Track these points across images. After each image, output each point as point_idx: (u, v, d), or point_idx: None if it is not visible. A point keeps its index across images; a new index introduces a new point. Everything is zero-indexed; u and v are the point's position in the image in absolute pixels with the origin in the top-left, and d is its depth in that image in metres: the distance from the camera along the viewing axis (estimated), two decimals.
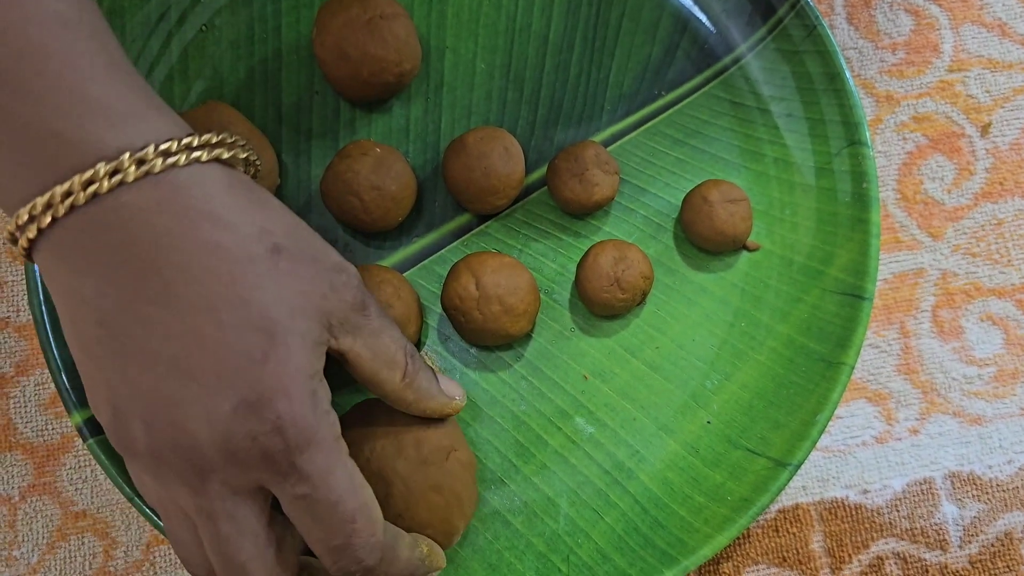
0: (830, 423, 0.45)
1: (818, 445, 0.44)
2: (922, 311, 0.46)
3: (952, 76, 0.48)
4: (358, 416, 0.39)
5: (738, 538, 0.43)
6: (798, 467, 0.40)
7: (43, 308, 0.41)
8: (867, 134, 0.43)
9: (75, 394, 0.40)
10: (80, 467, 0.44)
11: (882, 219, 0.47)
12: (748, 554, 0.43)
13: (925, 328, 0.45)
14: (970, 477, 0.44)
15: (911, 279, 0.46)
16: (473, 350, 0.44)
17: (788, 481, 0.40)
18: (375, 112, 0.46)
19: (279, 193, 0.44)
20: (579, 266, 0.43)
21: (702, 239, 0.43)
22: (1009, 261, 0.46)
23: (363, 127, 0.45)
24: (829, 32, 0.44)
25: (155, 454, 0.30)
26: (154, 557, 0.42)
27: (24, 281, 0.45)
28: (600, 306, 0.42)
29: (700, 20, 0.46)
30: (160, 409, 0.30)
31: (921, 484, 0.44)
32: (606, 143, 0.46)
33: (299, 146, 0.45)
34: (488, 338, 0.42)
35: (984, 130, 0.47)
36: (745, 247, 0.45)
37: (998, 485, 0.44)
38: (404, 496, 0.36)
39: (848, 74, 0.43)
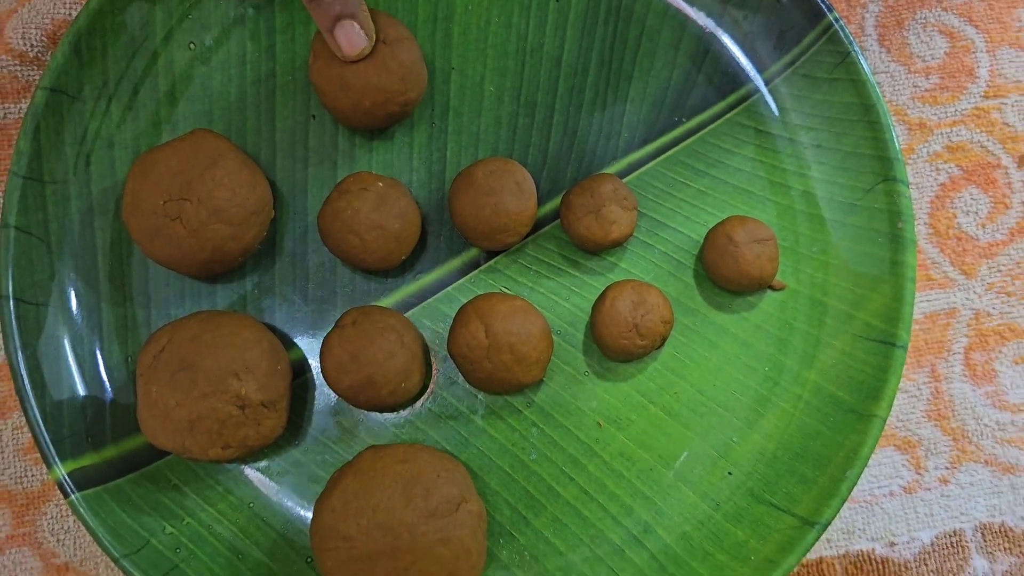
0: None
1: None
2: (954, 353, 0.43)
3: (988, 103, 0.45)
4: (366, 463, 0.36)
5: None
6: (826, 526, 0.38)
7: (19, 355, 0.38)
8: (904, 170, 0.40)
9: (55, 447, 0.37)
10: (62, 517, 0.41)
11: None
12: None
13: (957, 371, 0.43)
14: (1001, 529, 0.42)
15: (943, 319, 0.43)
16: (481, 395, 0.41)
17: (816, 541, 0.38)
18: (376, 139, 0.43)
19: (274, 226, 0.42)
20: (595, 309, 0.40)
21: (726, 280, 0.41)
22: None
23: (363, 155, 0.43)
24: (863, 60, 0.41)
25: None
26: None
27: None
28: (617, 352, 0.40)
29: (724, 42, 0.44)
30: None
31: (950, 536, 0.42)
32: (623, 173, 0.43)
33: (295, 175, 0.42)
34: (498, 387, 0.39)
35: (1021, 161, 0.45)
36: (771, 287, 0.42)
37: None
38: (410, 549, 0.34)
39: (883, 106, 0.41)
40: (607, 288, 0.40)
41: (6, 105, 0.43)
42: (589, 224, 0.40)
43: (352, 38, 0.37)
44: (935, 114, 0.45)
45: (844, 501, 0.38)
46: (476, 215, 0.40)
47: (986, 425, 0.43)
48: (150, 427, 0.37)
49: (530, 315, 0.39)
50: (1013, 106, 0.45)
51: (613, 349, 0.40)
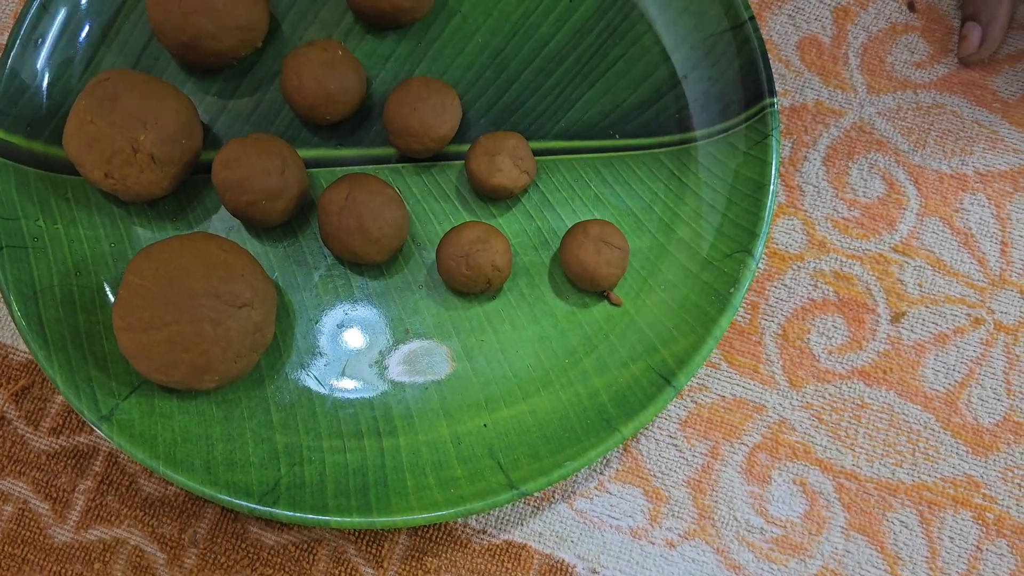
0: (599, 493, 0.44)
1: (577, 508, 0.44)
2: (742, 443, 0.44)
3: (894, 256, 0.47)
4: (198, 236, 0.42)
5: (456, 540, 0.43)
6: (522, 495, 0.40)
7: (18, 40, 0.46)
8: (760, 248, 0.43)
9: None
10: None
11: (751, 346, 0.46)
12: (457, 560, 0.43)
13: (736, 460, 0.44)
14: None
15: (748, 410, 0.45)
16: (329, 258, 0.46)
17: (506, 502, 0.40)
18: (371, 32, 0.49)
19: (258, 57, 0.49)
20: (447, 231, 0.45)
21: (565, 265, 0.44)
22: (852, 444, 0.44)
23: (354, 43, 0.49)
24: (776, 147, 0.44)
25: None
26: None
27: None
28: (444, 273, 0.44)
29: (682, 92, 0.48)
30: None
31: None
32: (544, 152, 0.48)
33: (295, 40, 0.49)
34: (336, 247, 0.44)
35: (896, 318, 0.46)
36: (608, 297, 0.45)
37: None
38: (181, 310, 0.39)
39: (774, 190, 0.44)
40: (467, 221, 0.45)
41: None
42: (480, 163, 0.45)
43: (972, 39, 0.41)
44: (839, 241, 0.47)
45: (551, 483, 0.40)
46: (397, 112, 0.45)
47: (736, 519, 0.43)
48: (67, 132, 0.44)
49: (393, 203, 0.44)
50: (915, 269, 0.46)
51: (442, 269, 0.44)
